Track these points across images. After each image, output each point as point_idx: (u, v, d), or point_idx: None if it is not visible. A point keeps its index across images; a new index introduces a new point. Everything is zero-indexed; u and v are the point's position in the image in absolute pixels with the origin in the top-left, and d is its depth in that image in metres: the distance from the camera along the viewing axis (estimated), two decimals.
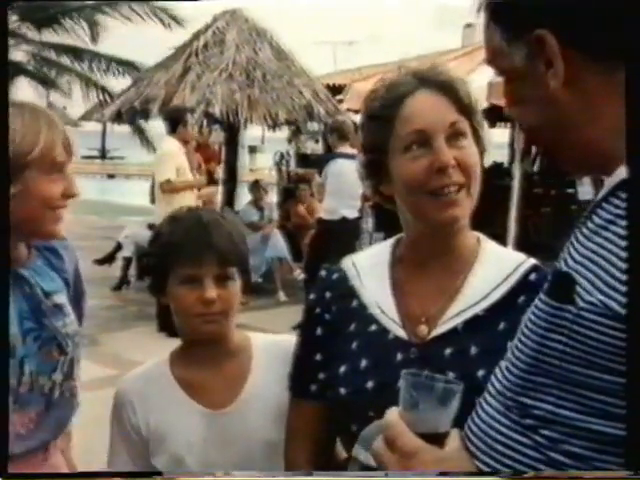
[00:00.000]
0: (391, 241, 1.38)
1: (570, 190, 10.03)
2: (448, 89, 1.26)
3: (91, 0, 13.36)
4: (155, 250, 1.56)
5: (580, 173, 0.98)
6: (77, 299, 1.66)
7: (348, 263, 1.38)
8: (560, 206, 9.74)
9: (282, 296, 7.56)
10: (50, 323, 1.50)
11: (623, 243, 0.76)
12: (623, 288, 0.75)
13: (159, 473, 1.46)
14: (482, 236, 1.35)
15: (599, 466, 0.77)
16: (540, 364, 0.82)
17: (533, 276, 1.26)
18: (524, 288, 1.24)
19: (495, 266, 1.28)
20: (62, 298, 1.57)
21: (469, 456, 0.89)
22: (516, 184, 7.18)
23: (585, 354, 0.77)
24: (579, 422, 0.78)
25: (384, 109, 1.28)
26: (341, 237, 5.97)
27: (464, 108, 1.26)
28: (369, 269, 1.35)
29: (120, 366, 5.20)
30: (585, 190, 9.98)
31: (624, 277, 0.75)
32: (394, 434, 0.92)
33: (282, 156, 10.31)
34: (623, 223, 0.78)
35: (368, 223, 7.43)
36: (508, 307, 1.23)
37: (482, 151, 1.29)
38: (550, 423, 0.80)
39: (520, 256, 1.31)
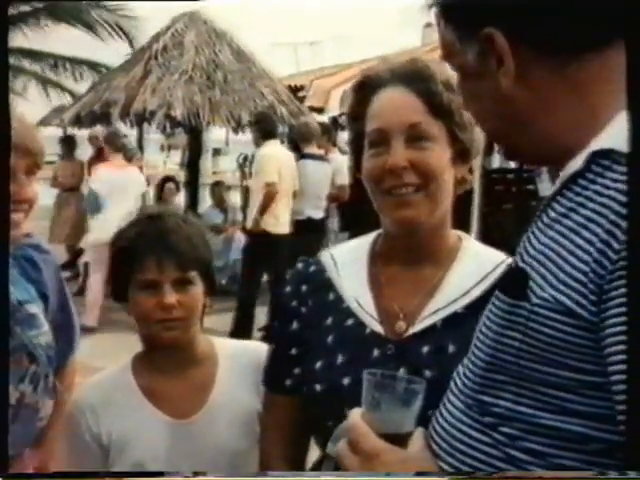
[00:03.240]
0: (371, 236, 1.37)
1: (530, 187, 10.17)
2: (420, 86, 1.24)
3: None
4: (113, 256, 1.53)
5: (536, 165, 1.00)
6: (64, 316, 1.64)
7: (326, 256, 1.36)
8: (521, 203, 9.86)
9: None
10: (22, 331, 1.48)
11: (574, 237, 0.77)
12: (574, 283, 0.76)
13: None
14: (464, 235, 1.34)
15: (557, 462, 0.78)
16: (497, 362, 0.83)
17: None
18: None
19: (474, 264, 1.28)
20: (35, 309, 1.54)
21: (432, 456, 0.90)
22: (477, 182, 7.24)
23: (540, 350, 0.78)
24: (537, 419, 0.79)
25: (358, 103, 1.29)
26: (307, 237, 5.98)
27: (436, 108, 1.23)
28: (347, 263, 1.34)
29: (84, 374, 5.12)
30: (545, 186, 10.13)
31: (573, 272, 0.76)
32: (356, 435, 0.92)
33: (246, 158, 10.24)
34: (575, 217, 0.79)
35: (334, 223, 7.44)
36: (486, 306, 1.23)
37: (462, 153, 1.26)
38: (509, 420, 0.81)
39: (500, 255, 1.30)
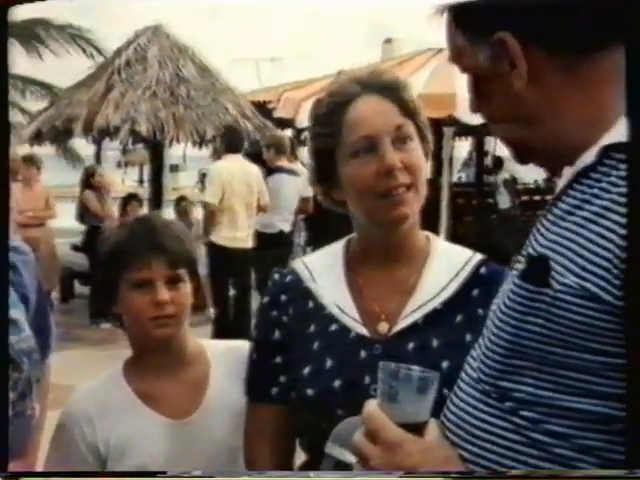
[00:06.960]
0: (342, 242, 1.40)
1: (490, 200, 10.37)
2: (391, 92, 1.30)
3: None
4: (102, 257, 1.55)
5: (549, 165, 1.03)
6: (42, 318, 1.63)
7: (300, 265, 1.39)
8: (481, 215, 10.04)
9: (213, 313, 7.48)
10: None
11: (592, 226, 0.81)
12: (597, 269, 0.79)
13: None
14: (431, 234, 1.40)
15: (581, 443, 0.81)
16: (518, 347, 0.85)
17: (483, 270, 1.33)
18: (476, 282, 1.31)
19: (446, 262, 1.34)
20: (16, 313, 1.52)
21: (450, 443, 0.92)
22: (445, 195, 7.37)
23: (563, 335, 0.81)
24: (559, 401, 0.81)
25: (330, 116, 1.32)
26: (278, 250, 6.01)
27: (408, 110, 1.30)
28: (323, 270, 1.37)
29: (51, 390, 5.03)
30: (504, 199, 10.41)
31: (596, 259, 0.79)
32: (376, 426, 0.92)
33: (205, 174, 10.21)
34: (590, 208, 0.82)
35: (300, 237, 7.45)
36: (463, 300, 1.30)
37: (428, 151, 1.34)
38: (530, 404, 0.83)
39: (468, 252, 1.37)
